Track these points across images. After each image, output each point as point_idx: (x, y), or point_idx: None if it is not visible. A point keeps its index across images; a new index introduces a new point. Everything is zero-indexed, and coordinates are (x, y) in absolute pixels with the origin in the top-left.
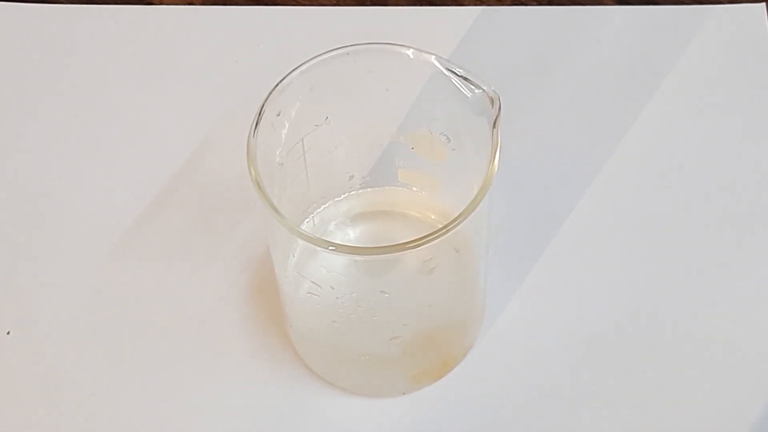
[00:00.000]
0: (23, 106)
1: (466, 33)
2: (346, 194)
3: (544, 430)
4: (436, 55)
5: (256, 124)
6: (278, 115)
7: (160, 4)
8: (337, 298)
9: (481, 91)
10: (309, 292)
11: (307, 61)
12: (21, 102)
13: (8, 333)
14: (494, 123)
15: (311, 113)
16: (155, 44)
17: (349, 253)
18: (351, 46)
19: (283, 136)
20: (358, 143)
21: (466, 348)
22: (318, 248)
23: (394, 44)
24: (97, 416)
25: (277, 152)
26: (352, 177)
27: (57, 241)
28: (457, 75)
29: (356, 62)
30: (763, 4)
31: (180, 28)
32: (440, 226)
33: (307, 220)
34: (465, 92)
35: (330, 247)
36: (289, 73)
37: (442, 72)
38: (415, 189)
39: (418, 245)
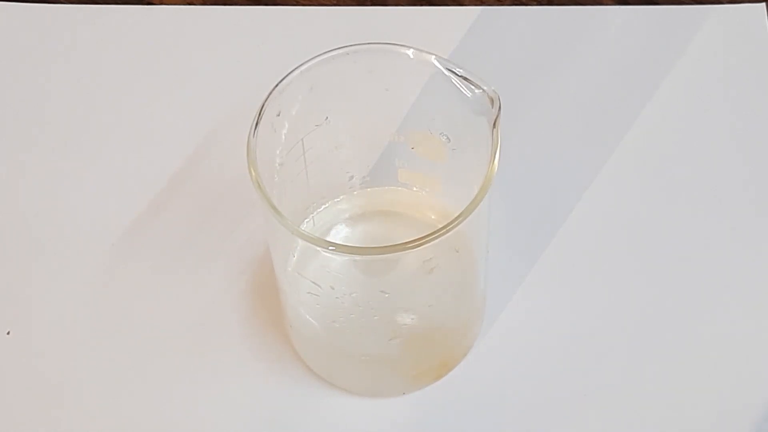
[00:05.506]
0: (23, 106)
1: (466, 33)
2: (346, 194)
3: (543, 430)
4: (436, 55)
5: (256, 124)
6: (278, 115)
7: (160, 4)
8: (337, 298)
9: (481, 91)
10: (309, 292)
11: (307, 61)
12: (21, 102)
13: (8, 333)
14: (494, 123)
15: (311, 113)
16: (155, 44)
17: (349, 253)
18: (351, 46)
19: (283, 136)
20: (358, 143)
21: (466, 348)
22: (318, 248)
23: (394, 44)
24: (97, 416)
25: (277, 152)
26: (352, 177)
27: (57, 241)
28: (457, 75)
29: (356, 62)
30: (763, 4)
31: (180, 28)
32: (440, 226)
33: (307, 220)
34: (465, 92)
35: (330, 247)
36: (289, 73)
37: (442, 72)
38: (415, 189)
39: (418, 245)
